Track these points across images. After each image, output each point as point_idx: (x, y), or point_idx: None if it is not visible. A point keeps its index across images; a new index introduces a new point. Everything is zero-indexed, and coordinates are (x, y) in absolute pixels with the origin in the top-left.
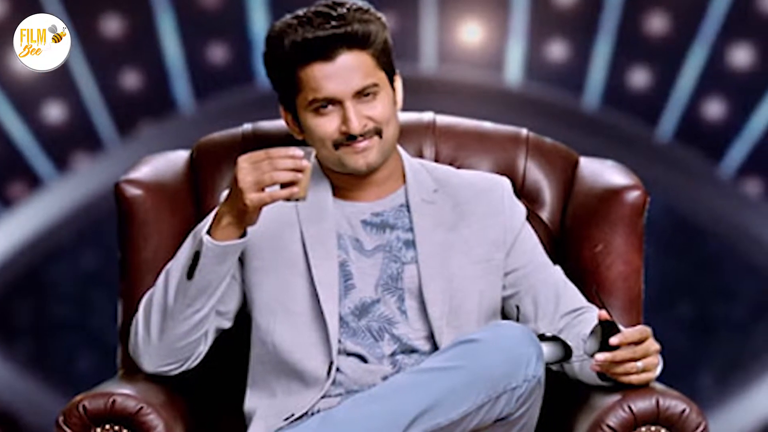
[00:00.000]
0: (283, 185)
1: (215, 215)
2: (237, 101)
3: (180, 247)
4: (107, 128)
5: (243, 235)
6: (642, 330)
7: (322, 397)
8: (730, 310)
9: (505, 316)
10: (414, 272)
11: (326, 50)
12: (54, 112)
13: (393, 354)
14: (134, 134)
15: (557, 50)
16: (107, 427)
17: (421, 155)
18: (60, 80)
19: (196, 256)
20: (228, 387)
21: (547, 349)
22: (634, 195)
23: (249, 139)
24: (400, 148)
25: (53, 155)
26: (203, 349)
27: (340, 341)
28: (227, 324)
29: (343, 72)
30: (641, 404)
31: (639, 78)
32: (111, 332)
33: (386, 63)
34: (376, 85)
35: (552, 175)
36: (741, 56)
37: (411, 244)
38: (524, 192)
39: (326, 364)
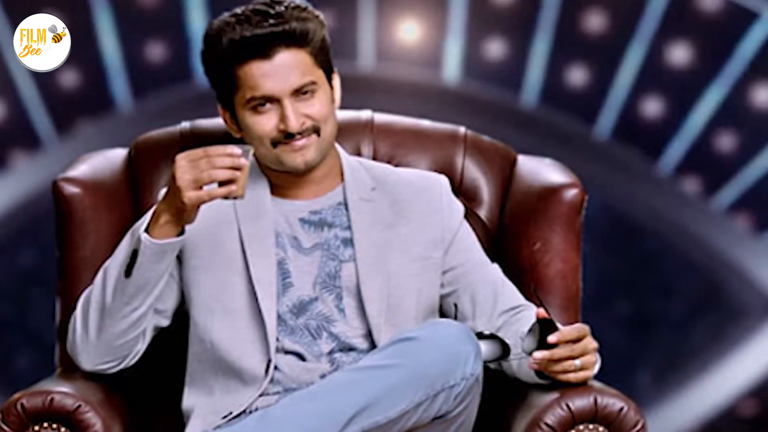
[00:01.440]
0: (221, 183)
1: (153, 213)
2: (175, 99)
3: (118, 245)
4: (45, 126)
5: (181, 233)
6: (580, 328)
7: (260, 396)
8: (668, 308)
9: (443, 314)
10: (352, 270)
11: (264, 48)
12: None
13: (331, 352)
14: (72, 132)
15: (495, 48)
16: (45, 425)
17: (359, 153)
18: None
19: (134, 254)
20: (166, 385)
21: (485, 348)
22: (572, 193)
23: (187, 138)
24: (338, 146)
25: None
26: (141, 347)
27: (278, 339)
28: (165, 322)
29: (281, 70)
30: (579, 402)
31: (577, 76)
32: (49, 330)
33: (324, 61)
34: (314, 83)
35: (490, 173)
36: (679, 54)
37: (349, 242)
38: (462, 190)
39: (264, 362)
